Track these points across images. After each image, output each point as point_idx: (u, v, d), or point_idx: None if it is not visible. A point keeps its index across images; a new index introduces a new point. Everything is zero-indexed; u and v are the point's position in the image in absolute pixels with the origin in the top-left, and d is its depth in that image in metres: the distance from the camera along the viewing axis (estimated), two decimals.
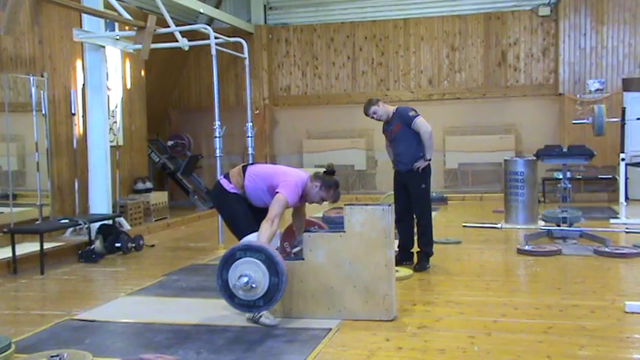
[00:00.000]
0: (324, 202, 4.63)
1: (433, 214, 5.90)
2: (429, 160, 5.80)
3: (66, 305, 5.01)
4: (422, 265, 5.84)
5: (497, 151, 11.61)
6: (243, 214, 4.49)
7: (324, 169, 4.62)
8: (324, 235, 4.41)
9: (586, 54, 11.40)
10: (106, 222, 7.43)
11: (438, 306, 4.69)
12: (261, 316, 4.23)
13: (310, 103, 12.79)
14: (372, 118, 5.92)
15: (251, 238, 4.33)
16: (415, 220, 5.95)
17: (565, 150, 7.42)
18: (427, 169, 5.83)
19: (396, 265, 5.49)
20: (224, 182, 4.58)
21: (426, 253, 5.90)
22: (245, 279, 4.02)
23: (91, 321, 4.48)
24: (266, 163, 11.79)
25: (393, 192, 6.13)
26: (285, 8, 12.85)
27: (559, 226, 7.24)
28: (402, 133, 5.81)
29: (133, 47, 8.16)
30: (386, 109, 5.87)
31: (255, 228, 4.33)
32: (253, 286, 4.03)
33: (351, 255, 4.28)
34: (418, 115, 5.79)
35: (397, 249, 5.82)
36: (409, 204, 5.92)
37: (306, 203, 4.76)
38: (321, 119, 12.70)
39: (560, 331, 3.99)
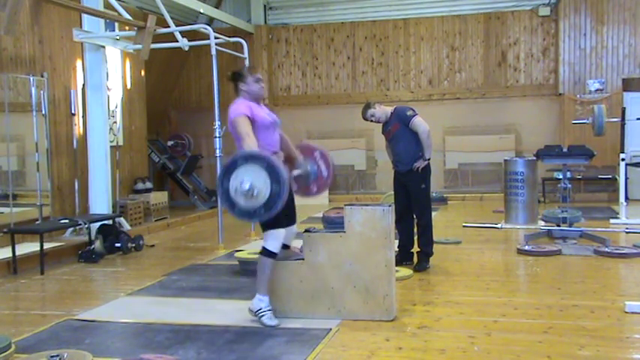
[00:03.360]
0: (262, 85, 4.48)
1: (433, 214, 5.91)
2: (429, 159, 5.80)
3: (66, 305, 5.01)
4: (422, 265, 5.84)
5: (497, 151, 11.62)
6: None
7: (231, 79, 4.52)
8: (324, 235, 4.42)
9: (586, 54, 11.40)
10: (106, 222, 7.43)
11: (438, 306, 4.69)
12: (263, 315, 4.23)
13: (310, 103, 12.79)
14: (371, 121, 5.92)
15: (277, 234, 4.24)
16: (415, 220, 5.96)
17: (565, 150, 7.43)
18: (427, 169, 5.83)
19: (396, 265, 5.50)
20: None
21: (425, 253, 5.90)
22: (247, 184, 3.89)
23: (91, 321, 4.48)
24: None
25: (393, 192, 6.13)
26: (285, 8, 12.85)
27: (559, 226, 7.24)
28: (400, 132, 5.80)
29: (133, 47, 8.16)
30: (384, 110, 5.88)
31: (283, 225, 4.27)
32: (255, 192, 3.90)
33: (351, 255, 4.28)
34: (416, 114, 5.79)
35: (397, 249, 5.82)
36: (409, 204, 5.92)
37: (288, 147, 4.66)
38: (321, 119, 12.70)
39: (560, 331, 3.99)
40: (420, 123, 5.74)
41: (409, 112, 5.79)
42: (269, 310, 4.28)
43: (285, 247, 4.51)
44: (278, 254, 4.29)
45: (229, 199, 4.00)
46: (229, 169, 3.98)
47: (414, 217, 5.94)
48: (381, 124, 6.02)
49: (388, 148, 6.10)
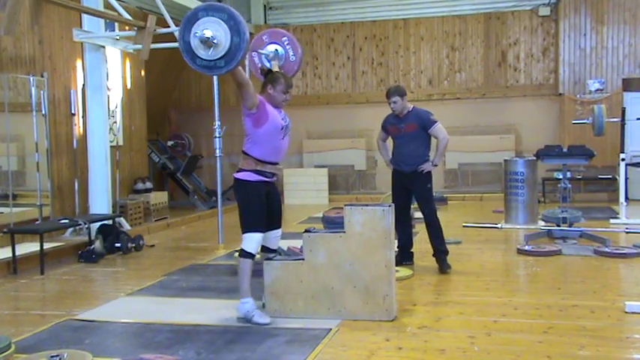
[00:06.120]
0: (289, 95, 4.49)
1: None
2: (436, 165, 5.77)
3: (66, 305, 5.01)
4: (446, 264, 5.75)
5: (497, 151, 11.62)
6: (258, 212, 4.37)
7: (264, 75, 4.53)
8: (325, 235, 4.42)
9: (586, 54, 11.40)
10: (106, 222, 7.43)
11: (438, 306, 4.69)
12: (253, 315, 4.26)
13: (310, 103, 12.79)
14: (389, 104, 5.74)
15: (255, 237, 4.32)
16: (426, 221, 5.85)
17: (565, 150, 7.43)
18: (429, 172, 5.80)
19: (396, 265, 5.48)
20: (239, 175, 4.45)
21: (445, 252, 5.82)
22: (209, 32, 3.82)
23: (91, 321, 4.48)
24: None
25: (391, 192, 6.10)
26: (285, 8, 12.85)
27: (559, 226, 7.24)
28: (415, 134, 5.71)
29: (133, 47, 8.16)
30: (405, 104, 5.73)
31: (263, 229, 4.35)
32: (215, 42, 3.84)
33: (351, 255, 4.28)
34: (437, 120, 5.73)
35: (396, 249, 5.81)
36: (408, 205, 5.89)
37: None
38: (321, 119, 12.70)
39: (560, 331, 3.99)
40: (441, 130, 5.69)
41: (432, 117, 5.71)
42: (256, 309, 4.32)
43: (271, 251, 4.54)
44: (256, 255, 4.36)
45: (190, 50, 3.92)
46: (190, 21, 3.90)
47: (424, 217, 5.86)
48: (385, 115, 5.96)
49: (384, 143, 6.00)
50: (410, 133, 5.75)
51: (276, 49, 4.90)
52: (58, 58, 8.15)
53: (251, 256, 4.33)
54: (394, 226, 5.72)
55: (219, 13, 3.86)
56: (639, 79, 11.01)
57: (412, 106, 5.83)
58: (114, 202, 8.41)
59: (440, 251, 5.81)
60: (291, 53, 4.89)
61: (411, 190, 5.87)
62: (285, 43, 4.93)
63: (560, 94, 11.58)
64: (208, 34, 3.80)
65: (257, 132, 4.35)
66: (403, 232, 5.94)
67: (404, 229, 5.93)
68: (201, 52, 3.88)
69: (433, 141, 5.87)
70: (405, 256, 5.97)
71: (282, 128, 4.40)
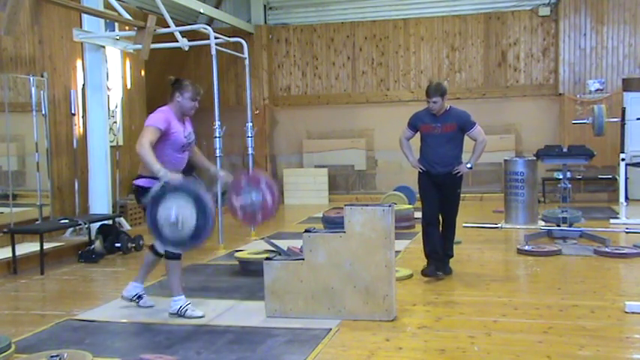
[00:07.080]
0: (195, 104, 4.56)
1: None
2: (471, 168, 5.68)
3: (66, 305, 5.01)
4: (449, 267, 5.68)
5: (497, 151, 11.59)
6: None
7: (172, 84, 4.55)
8: (325, 235, 4.42)
9: (586, 54, 11.40)
10: (106, 222, 7.43)
11: (438, 306, 4.69)
12: (186, 310, 4.41)
13: (310, 103, 12.79)
14: (428, 102, 5.51)
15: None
16: (445, 223, 5.71)
17: (565, 150, 7.43)
18: (462, 174, 5.67)
19: (431, 274, 5.40)
20: (138, 182, 4.51)
21: (450, 256, 5.75)
22: (174, 216, 3.99)
23: (91, 321, 4.48)
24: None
25: (397, 193, 6.07)
26: (285, 8, 12.85)
27: (559, 226, 7.24)
28: (453, 135, 5.54)
29: (133, 47, 8.16)
30: (443, 105, 5.54)
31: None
32: (180, 225, 3.99)
33: (351, 255, 4.28)
34: (477, 122, 5.59)
35: (427, 256, 5.57)
36: (438, 208, 5.68)
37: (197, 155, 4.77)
38: (321, 119, 12.70)
39: (560, 331, 3.99)
40: (481, 132, 5.56)
41: (472, 119, 5.57)
42: (188, 304, 4.45)
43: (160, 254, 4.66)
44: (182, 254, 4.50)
45: (157, 229, 4.11)
46: (158, 199, 4.07)
47: (443, 220, 5.71)
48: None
49: (408, 142, 5.73)
50: (447, 134, 5.54)
51: (252, 199, 4.75)
52: (58, 58, 8.15)
53: (178, 256, 4.46)
54: (424, 231, 5.57)
55: (187, 194, 4.02)
56: (639, 79, 11.01)
57: (449, 106, 5.63)
58: (114, 202, 8.42)
59: (446, 255, 5.73)
60: (268, 198, 4.82)
61: (440, 191, 5.67)
62: (264, 188, 4.84)
63: (560, 94, 11.58)
64: (173, 218, 4.00)
65: (156, 146, 4.34)
66: (437, 236, 5.63)
67: (437, 233, 5.64)
68: (167, 232, 4.07)
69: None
70: (438, 259, 5.58)
71: (182, 145, 4.48)
